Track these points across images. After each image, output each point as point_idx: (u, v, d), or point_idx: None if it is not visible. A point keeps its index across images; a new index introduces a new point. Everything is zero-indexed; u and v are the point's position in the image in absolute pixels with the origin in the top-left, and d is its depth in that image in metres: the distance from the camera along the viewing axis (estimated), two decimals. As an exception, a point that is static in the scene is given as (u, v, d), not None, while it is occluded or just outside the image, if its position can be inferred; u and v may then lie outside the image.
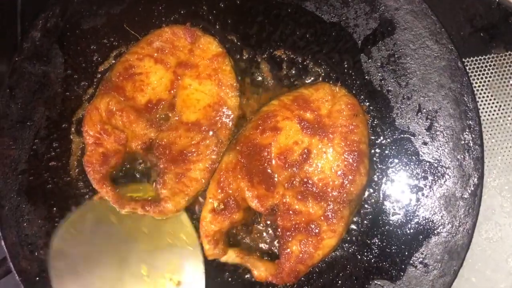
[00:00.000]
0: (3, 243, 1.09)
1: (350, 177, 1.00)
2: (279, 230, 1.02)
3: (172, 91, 1.09)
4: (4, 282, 1.13)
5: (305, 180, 1.01)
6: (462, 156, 1.04)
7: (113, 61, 1.15)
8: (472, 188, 1.04)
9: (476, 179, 1.04)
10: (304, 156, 1.01)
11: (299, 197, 1.00)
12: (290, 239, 1.00)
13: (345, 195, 1.00)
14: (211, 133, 1.07)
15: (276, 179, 1.02)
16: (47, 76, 1.15)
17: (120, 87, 1.09)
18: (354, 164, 1.00)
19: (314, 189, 1.00)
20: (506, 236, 1.25)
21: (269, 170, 1.02)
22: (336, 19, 1.11)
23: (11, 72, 1.14)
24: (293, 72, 1.12)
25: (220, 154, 1.07)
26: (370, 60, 1.10)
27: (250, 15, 1.14)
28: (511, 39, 1.28)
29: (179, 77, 1.09)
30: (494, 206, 1.26)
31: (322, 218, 0.99)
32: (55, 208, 1.11)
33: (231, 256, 1.03)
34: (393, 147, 1.08)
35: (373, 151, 1.08)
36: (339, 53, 1.11)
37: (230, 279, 1.09)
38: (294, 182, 1.01)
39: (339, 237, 1.00)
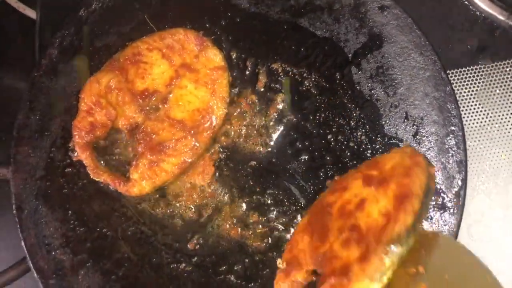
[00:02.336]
0: (23, 243, 1.13)
1: (395, 218, 0.90)
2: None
3: (169, 87, 1.14)
4: (23, 280, 1.18)
5: (354, 226, 0.93)
6: (446, 160, 1.09)
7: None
8: (456, 189, 1.07)
9: (459, 181, 1.08)
10: (359, 205, 0.95)
11: (344, 243, 0.92)
12: (323, 283, 0.90)
13: (385, 236, 0.89)
14: (191, 133, 1.12)
15: (330, 230, 0.96)
16: (63, 90, 1.19)
17: (124, 69, 1.14)
18: (401, 206, 0.91)
19: (359, 233, 0.91)
20: (496, 237, 1.28)
21: (328, 224, 0.97)
22: (328, 34, 1.17)
23: (30, 87, 1.18)
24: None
25: (194, 157, 1.12)
26: (360, 72, 1.15)
27: (250, 31, 1.20)
28: (497, 51, 1.32)
29: (179, 76, 1.14)
30: (483, 209, 1.29)
31: (357, 259, 0.88)
32: (70, 211, 1.15)
33: None
34: (383, 152, 1.11)
35: (364, 156, 1.13)
36: (331, 65, 1.16)
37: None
38: (344, 229, 0.94)
39: (369, 279, 0.87)
